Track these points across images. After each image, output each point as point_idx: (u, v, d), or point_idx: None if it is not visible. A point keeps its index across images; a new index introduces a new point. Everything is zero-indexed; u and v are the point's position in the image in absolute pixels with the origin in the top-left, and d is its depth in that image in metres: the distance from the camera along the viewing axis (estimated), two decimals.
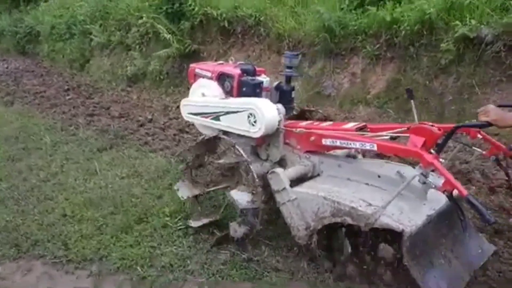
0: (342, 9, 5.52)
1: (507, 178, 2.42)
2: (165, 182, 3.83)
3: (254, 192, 2.60)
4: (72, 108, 6.81)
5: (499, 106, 2.14)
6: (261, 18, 6.37)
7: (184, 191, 3.00)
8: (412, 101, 2.47)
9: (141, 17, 7.88)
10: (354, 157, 2.70)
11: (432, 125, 2.19)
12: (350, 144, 2.38)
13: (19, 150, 4.99)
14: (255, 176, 2.57)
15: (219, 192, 3.33)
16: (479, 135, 2.22)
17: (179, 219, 3.16)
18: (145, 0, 8.07)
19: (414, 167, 2.28)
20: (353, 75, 5.39)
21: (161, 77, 7.55)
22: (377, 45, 5.11)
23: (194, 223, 2.94)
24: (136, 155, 4.58)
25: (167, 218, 3.20)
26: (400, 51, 4.98)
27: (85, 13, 9.99)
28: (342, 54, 5.46)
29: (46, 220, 3.30)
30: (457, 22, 4.36)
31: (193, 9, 7.05)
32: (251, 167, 2.60)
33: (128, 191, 3.68)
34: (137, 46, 8.40)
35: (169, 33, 7.17)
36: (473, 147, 2.48)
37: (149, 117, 5.91)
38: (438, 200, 2.18)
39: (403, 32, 4.78)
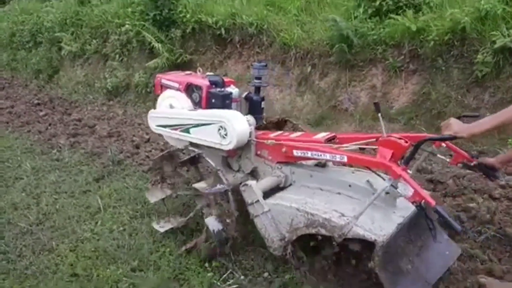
0: (356, 17, 5.06)
1: (483, 175, 2.43)
2: (193, 220, 3.14)
3: (229, 221, 2.54)
4: (48, 127, 5.89)
5: (463, 116, 2.29)
6: (264, 27, 5.79)
7: (152, 195, 2.99)
8: (379, 114, 2.47)
9: (123, 25, 7.08)
10: (324, 165, 2.67)
11: (400, 138, 2.21)
12: (321, 155, 2.36)
13: None
14: (234, 206, 2.52)
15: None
16: (443, 144, 2.26)
17: (227, 275, 2.51)
18: (126, 5, 7.28)
19: (380, 176, 2.31)
20: (373, 88, 4.93)
21: (148, 89, 6.76)
22: (401, 56, 4.68)
23: (160, 228, 2.89)
24: (141, 184, 3.84)
25: (210, 274, 2.53)
26: (426, 62, 4.56)
27: (53, 20, 8.97)
28: (360, 65, 4.98)
29: (51, 285, 2.52)
30: (495, 32, 4.00)
31: (185, 16, 6.35)
32: (231, 196, 2.53)
33: (149, 236, 2.96)
34: (117, 56, 7.56)
35: (158, 42, 6.43)
36: (438, 155, 2.44)
37: (145, 136, 5.14)
38: (407, 208, 2.19)
39: (432, 42, 4.37)
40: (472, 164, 2.33)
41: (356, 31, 4.90)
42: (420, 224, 2.25)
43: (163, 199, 3.02)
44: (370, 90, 4.94)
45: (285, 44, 5.63)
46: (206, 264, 2.60)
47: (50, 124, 6.00)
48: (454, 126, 2.05)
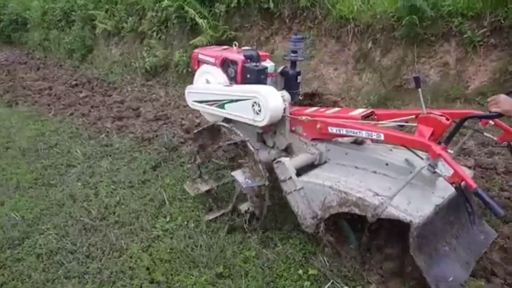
0: None
1: None
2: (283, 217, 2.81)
3: (255, 170, 2.46)
4: (91, 109, 5.62)
5: (509, 93, 2.15)
6: None
7: (193, 188, 2.95)
8: (419, 90, 2.28)
9: (161, 0, 6.67)
10: (361, 142, 2.55)
11: (441, 115, 2.08)
12: (357, 133, 2.26)
13: (45, 168, 3.85)
14: (255, 153, 2.48)
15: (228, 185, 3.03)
16: (491, 122, 2.14)
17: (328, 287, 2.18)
18: None
19: (417, 154, 2.18)
20: (445, 65, 4.43)
21: (189, 69, 6.39)
22: (480, 29, 4.16)
23: (206, 217, 2.83)
24: (203, 174, 3.51)
25: (307, 283, 2.20)
26: (510, 36, 4.05)
27: None
28: (431, 40, 4.48)
29: None
30: None
31: None
32: (249, 145, 2.51)
33: (225, 233, 2.65)
34: (155, 34, 7.20)
35: (201, 18, 6.01)
36: (485, 133, 2.25)
37: (196, 120, 4.80)
38: (446, 188, 2.05)
39: None
40: None
41: (428, 1, 4.38)
42: (460, 205, 2.13)
43: (207, 191, 2.94)
44: (442, 67, 4.45)
45: (342, 18, 5.14)
46: (300, 271, 2.27)
47: (92, 107, 5.73)
48: (504, 103, 1.92)
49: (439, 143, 2.05)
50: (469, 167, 3.11)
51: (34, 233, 2.83)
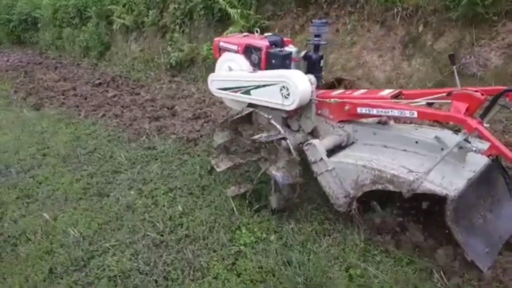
0: None
1: None
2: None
3: (292, 167, 2.47)
4: (123, 109, 5.33)
5: None
6: None
7: (221, 165, 2.92)
8: (454, 67, 2.35)
9: None
10: (385, 123, 2.58)
11: (476, 91, 2.13)
12: (388, 112, 2.28)
13: (91, 176, 3.57)
14: (294, 152, 2.48)
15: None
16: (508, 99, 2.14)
17: None
18: None
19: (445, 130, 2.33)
20: (509, 47, 4.09)
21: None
22: None
23: (229, 192, 2.89)
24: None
25: None
26: None
27: None
28: (493, 20, 4.14)
29: None
30: None
31: None
32: (288, 142, 2.51)
33: (316, 246, 2.36)
34: (178, 27, 6.87)
35: (231, 8, 5.68)
36: (510, 108, 2.24)
37: None
38: (477, 163, 2.14)
39: None
40: None
41: None
42: (490, 180, 2.24)
43: (229, 168, 2.93)
44: (505, 49, 4.11)
45: (387, 1, 4.80)
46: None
47: (123, 106, 5.43)
48: None
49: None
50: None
51: (99, 252, 2.56)
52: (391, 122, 2.61)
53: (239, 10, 5.65)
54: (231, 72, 2.90)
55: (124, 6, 7.77)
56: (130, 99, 5.65)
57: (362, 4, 5.03)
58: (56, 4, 9.87)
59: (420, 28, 4.60)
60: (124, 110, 5.25)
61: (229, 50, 2.97)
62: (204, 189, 3.19)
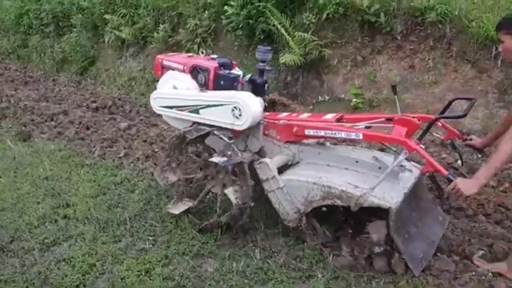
0: None
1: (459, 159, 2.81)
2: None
3: (245, 190, 2.50)
4: (153, 147, 4.03)
5: (456, 99, 2.75)
6: (447, 11, 4.24)
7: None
8: (396, 96, 2.60)
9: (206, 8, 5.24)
10: (323, 144, 2.73)
11: (413, 117, 2.39)
12: (335, 133, 2.44)
13: (164, 260, 2.32)
14: (248, 176, 2.49)
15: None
16: (439, 123, 2.46)
17: None
18: None
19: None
20: None
21: None
22: None
23: (173, 210, 2.77)
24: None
25: None
26: None
27: None
28: None
29: None
30: None
31: None
32: (245, 167, 2.51)
33: None
34: (196, 47, 5.72)
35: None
36: (433, 133, 2.65)
37: None
38: (407, 179, 2.37)
39: None
40: (462, 141, 2.66)
41: None
42: (417, 194, 2.54)
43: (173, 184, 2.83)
44: None
45: (484, 37, 4.13)
46: None
47: (151, 144, 4.12)
48: (462, 187, 2.07)
49: None
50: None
51: None
52: (327, 143, 2.76)
53: (290, 34, 4.68)
54: (178, 90, 2.83)
55: (123, 16, 6.45)
56: (155, 134, 4.33)
57: (449, 40, 4.32)
58: (23, 7, 8.22)
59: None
60: (156, 150, 3.95)
61: (173, 69, 2.92)
62: None
